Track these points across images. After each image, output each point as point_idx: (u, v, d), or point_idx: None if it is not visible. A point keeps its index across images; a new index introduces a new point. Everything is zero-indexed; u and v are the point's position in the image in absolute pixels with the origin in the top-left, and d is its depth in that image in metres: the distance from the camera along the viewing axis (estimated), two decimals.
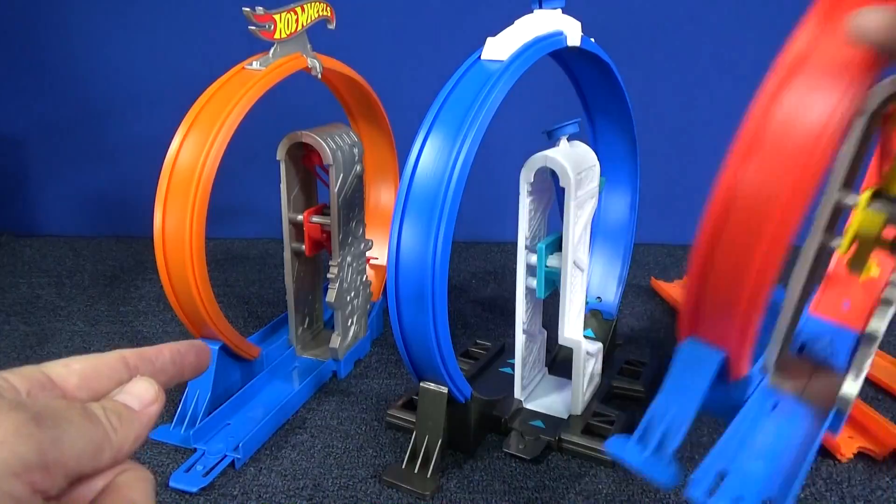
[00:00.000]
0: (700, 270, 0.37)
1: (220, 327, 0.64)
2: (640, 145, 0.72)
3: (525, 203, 0.59)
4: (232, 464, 0.60)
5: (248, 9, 0.61)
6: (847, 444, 0.59)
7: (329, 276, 0.72)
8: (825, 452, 0.60)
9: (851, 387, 0.46)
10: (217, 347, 0.65)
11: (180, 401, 0.65)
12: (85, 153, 1.19)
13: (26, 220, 1.23)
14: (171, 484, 0.57)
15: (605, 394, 0.69)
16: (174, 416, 0.65)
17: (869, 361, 0.47)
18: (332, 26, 0.72)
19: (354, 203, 0.73)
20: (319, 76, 0.71)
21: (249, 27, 0.63)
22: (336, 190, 0.70)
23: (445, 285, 0.51)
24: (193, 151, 0.60)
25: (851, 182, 0.46)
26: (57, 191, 1.22)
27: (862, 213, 0.44)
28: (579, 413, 0.65)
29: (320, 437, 0.64)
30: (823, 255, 0.48)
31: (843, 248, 0.45)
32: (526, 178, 0.58)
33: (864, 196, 0.44)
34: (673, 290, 0.92)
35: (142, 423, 0.24)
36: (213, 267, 1.04)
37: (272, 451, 0.62)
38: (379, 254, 0.85)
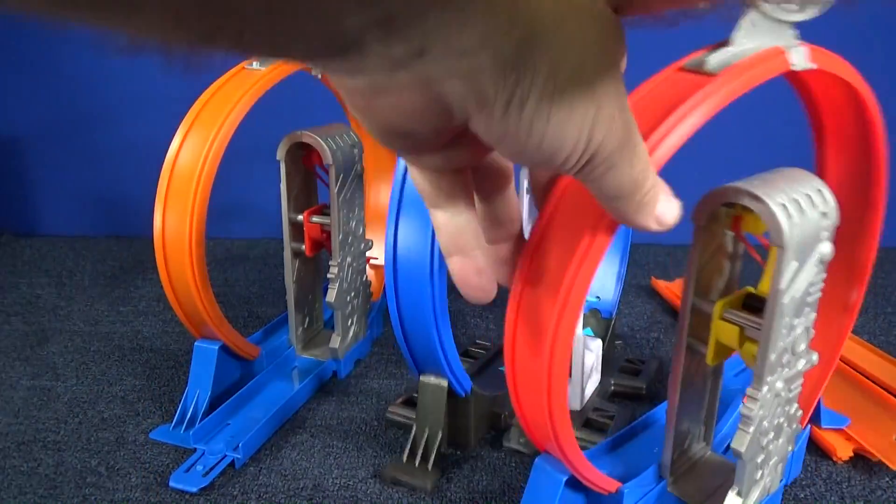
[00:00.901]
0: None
1: (220, 327, 0.65)
2: None
3: (524, 202, 0.59)
4: (232, 464, 0.60)
5: None
6: (843, 447, 0.59)
7: (329, 276, 0.72)
8: (823, 453, 0.60)
9: (734, 502, 0.44)
10: (217, 347, 0.65)
11: (180, 401, 0.65)
12: (85, 153, 1.19)
13: (26, 220, 1.23)
14: (171, 484, 0.57)
15: (604, 392, 0.69)
16: (174, 416, 0.65)
17: (750, 477, 0.44)
18: None
19: (354, 203, 0.73)
20: (319, 76, 0.71)
21: None
22: (336, 190, 0.70)
23: (445, 275, 0.51)
24: (193, 151, 0.60)
25: (707, 290, 0.45)
26: (57, 191, 1.22)
27: (717, 323, 0.43)
28: (579, 408, 0.65)
29: (320, 437, 0.64)
30: (694, 360, 0.47)
31: (709, 358, 0.44)
32: (525, 176, 0.58)
33: (717, 306, 0.43)
34: (673, 289, 0.92)
35: None
36: (213, 267, 1.05)
37: (272, 451, 0.62)
38: (379, 254, 0.85)
